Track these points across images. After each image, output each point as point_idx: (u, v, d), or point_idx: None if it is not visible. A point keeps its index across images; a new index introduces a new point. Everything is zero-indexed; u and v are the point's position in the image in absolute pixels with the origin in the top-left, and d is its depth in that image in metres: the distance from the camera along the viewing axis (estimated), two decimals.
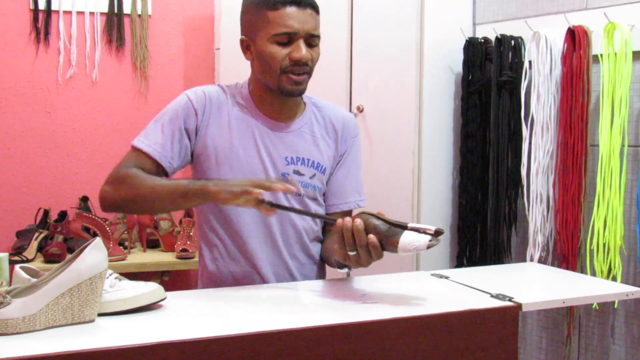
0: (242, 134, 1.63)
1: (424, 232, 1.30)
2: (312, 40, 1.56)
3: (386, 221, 1.34)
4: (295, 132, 1.67)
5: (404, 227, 1.32)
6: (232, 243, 1.64)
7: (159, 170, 1.58)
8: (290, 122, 1.67)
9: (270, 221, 1.62)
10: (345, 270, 1.52)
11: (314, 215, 1.66)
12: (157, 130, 1.61)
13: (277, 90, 1.59)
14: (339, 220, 1.37)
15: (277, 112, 1.66)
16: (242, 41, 1.64)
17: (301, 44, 1.54)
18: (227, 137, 1.62)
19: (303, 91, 1.61)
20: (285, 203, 1.62)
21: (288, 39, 1.54)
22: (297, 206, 1.64)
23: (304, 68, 1.56)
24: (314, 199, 1.68)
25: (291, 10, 1.53)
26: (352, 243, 1.35)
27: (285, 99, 1.63)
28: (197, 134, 1.62)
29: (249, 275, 1.64)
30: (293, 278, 1.67)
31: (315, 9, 1.58)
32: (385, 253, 1.34)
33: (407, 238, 1.30)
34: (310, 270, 1.71)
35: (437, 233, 1.30)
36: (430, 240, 1.29)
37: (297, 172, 1.64)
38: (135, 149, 1.60)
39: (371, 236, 1.32)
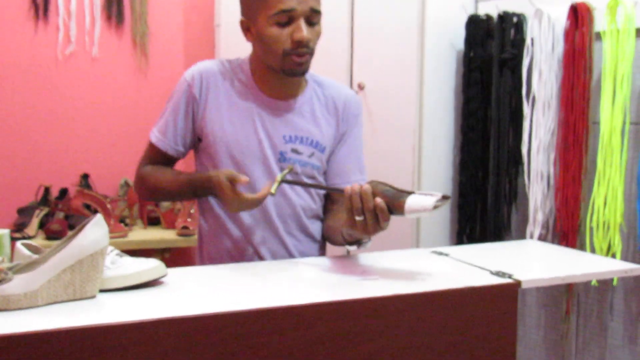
0: (240, 111, 1.63)
1: (432, 195, 1.32)
2: (313, 17, 1.54)
3: (394, 188, 1.36)
4: (295, 111, 1.66)
5: (410, 193, 1.34)
6: (228, 219, 1.65)
7: (168, 158, 1.69)
8: (291, 100, 1.66)
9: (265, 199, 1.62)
10: (354, 247, 1.52)
11: (322, 187, 1.65)
12: (163, 120, 1.68)
13: (280, 71, 1.58)
14: (347, 187, 1.37)
15: (278, 91, 1.65)
16: (242, 22, 1.62)
17: (302, 23, 1.52)
18: (226, 115, 1.62)
19: (306, 71, 1.60)
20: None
21: (288, 18, 1.52)
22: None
23: (306, 49, 1.54)
24: (312, 178, 1.67)
25: None
26: (359, 208, 1.35)
27: (286, 78, 1.62)
28: (198, 116, 1.64)
29: (245, 252, 1.65)
30: (290, 255, 1.67)
31: None
32: (392, 220, 1.35)
33: (413, 199, 1.31)
34: (309, 248, 1.71)
35: (444, 197, 1.30)
36: (436, 201, 1.29)
37: (295, 151, 1.64)
38: (149, 140, 1.71)
39: (378, 199, 1.33)
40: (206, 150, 1.64)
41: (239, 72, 1.66)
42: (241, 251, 1.65)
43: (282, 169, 1.63)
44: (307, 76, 1.71)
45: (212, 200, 1.66)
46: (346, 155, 1.71)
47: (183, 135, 1.66)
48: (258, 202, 1.49)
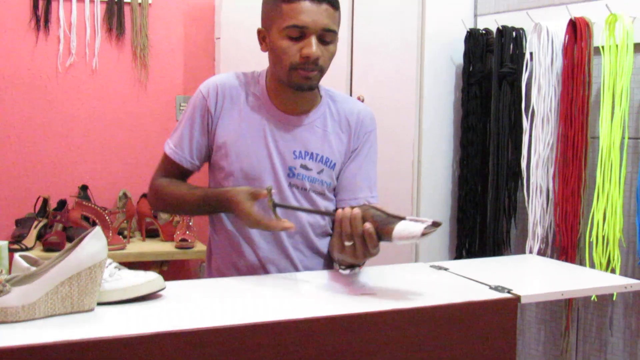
0: (252, 126, 1.63)
1: (422, 222, 1.30)
2: (326, 36, 1.53)
3: (385, 213, 1.34)
4: (306, 126, 1.66)
5: (401, 218, 1.32)
6: (238, 235, 1.66)
7: (183, 171, 1.69)
8: (303, 115, 1.66)
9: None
10: (347, 271, 1.50)
11: (312, 211, 1.64)
12: (178, 131, 1.68)
13: (287, 84, 1.58)
14: (339, 211, 1.37)
15: (290, 106, 1.65)
16: (259, 32, 1.62)
17: (313, 40, 1.51)
18: (238, 129, 1.63)
19: (314, 87, 1.60)
20: (291, 198, 1.63)
21: (300, 33, 1.52)
22: (303, 200, 1.64)
23: (313, 66, 1.53)
24: (322, 194, 1.67)
25: (305, 4, 1.50)
26: (348, 232, 1.34)
27: (298, 93, 1.62)
28: (212, 129, 1.65)
29: (252, 267, 1.65)
30: (297, 271, 1.67)
31: (333, 3, 1.53)
32: (383, 246, 1.34)
33: (402, 226, 1.29)
34: (316, 263, 1.70)
35: (435, 224, 1.28)
36: (425, 228, 1.27)
37: (304, 167, 1.64)
38: (164, 152, 1.70)
39: (367, 224, 1.32)
40: (218, 163, 1.65)
41: (254, 85, 1.67)
42: (249, 266, 1.65)
43: (290, 184, 1.63)
44: (322, 91, 1.71)
45: (224, 216, 1.67)
46: (356, 171, 1.70)
47: (198, 148, 1.66)
48: (271, 228, 1.46)
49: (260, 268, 1.65)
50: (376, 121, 1.77)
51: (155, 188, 1.70)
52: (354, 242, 1.34)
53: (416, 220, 1.30)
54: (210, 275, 1.72)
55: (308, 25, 1.50)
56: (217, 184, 1.66)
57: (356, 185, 1.70)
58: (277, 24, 1.54)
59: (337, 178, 1.70)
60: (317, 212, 1.66)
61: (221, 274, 1.68)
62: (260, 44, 1.63)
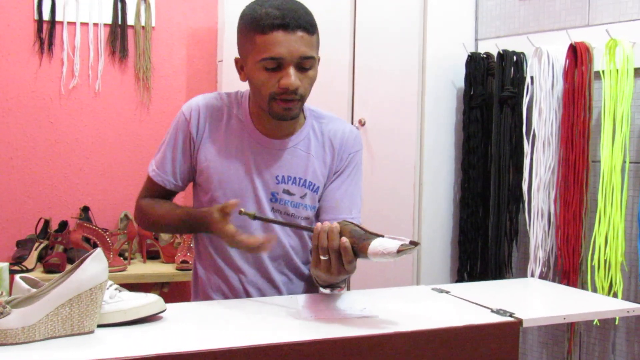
0: (235, 150, 1.62)
1: (399, 240, 1.27)
2: (304, 63, 1.49)
3: (364, 229, 1.32)
4: (289, 150, 1.63)
5: (379, 236, 1.29)
6: (220, 259, 1.65)
7: (167, 191, 1.69)
8: (286, 139, 1.63)
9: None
10: (327, 290, 1.49)
11: (291, 225, 1.60)
12: (160, 153, 1.67)
13: (269, 114, 1.56)
14: (318, 224, 1.35)
15: (273, 129, 1.62)
16: (236, 61, 1.60)
17: (290, 70, 1.47)
18: (220, 153, 1.61)
19: (295, 116, 1.57)
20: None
21: (276, 64, 1.47)
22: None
23: (293, 96, 1.50)
24: (306, 219, 1.64)
25: (278, 35, 1.45)
26: (325, 246, 1.32)
27: None
28: (194, 152, 1.64)
29: (235, 291, 1.64)
30: (280, 294, 1.66)
31: (308, 29, 1.48)
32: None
33: (378, 242, 1.27)
34: (300, 287, 1.69)
35: (412, 243, 1.25)
36: (402, 245, 1.24)
37: (286, 192, 1.62)
38: (148, 173, 1.70)
39: (344, 238, 1.30)
40: (202, 185, 1.64)
41: (236, 107, 1.65)
42: (232, 290, 1.64)
43: (273, 209, 1.62)
44: (307, 111, 1.68)
45: (207, 240, 1.66)
46: (337, 191, 1.67)
47: (180, 169, 1.65)
48: (247, 243, 1.46)
49: (243, 292, 1.64)
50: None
51: (139, 207, 1.71)
52: (329, 256, 1.32)
53: (394, 238, 1.27)
54: (195, 296, 1.71)
55: (284, 56, 1.46)
56: (201, 205, 1.64)
57: (336, 206, 1.65)
58: (253, 56, 1.50)
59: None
60: (297, 226, 1.60)
61: (207, 297, 1.66)
62: (239, 73, 1.60)
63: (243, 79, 1.59)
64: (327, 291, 1.49)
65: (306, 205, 1.64)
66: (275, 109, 1.52)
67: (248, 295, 1.64)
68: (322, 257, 1.33)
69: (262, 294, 1.64)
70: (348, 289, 1.64)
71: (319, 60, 1.57)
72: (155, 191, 1.69)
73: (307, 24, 1.48)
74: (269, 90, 1.50)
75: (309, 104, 1.64)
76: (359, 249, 1.30)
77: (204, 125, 1.62)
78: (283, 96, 1.50)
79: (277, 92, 1.50)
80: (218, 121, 1.63)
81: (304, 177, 1.63)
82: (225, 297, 1.64)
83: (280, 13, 1.46)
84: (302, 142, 1.65)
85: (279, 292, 1.66)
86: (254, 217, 1.46)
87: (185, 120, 1.63)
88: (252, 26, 1.49)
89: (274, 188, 1.61)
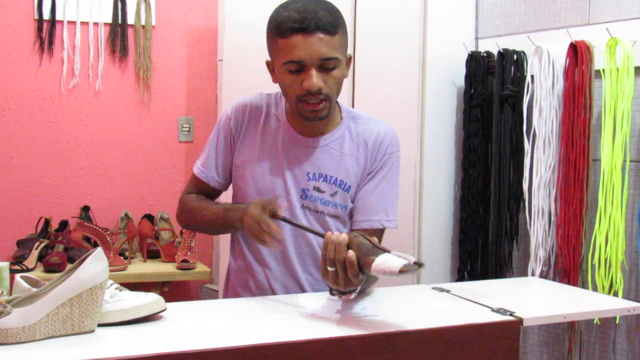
0: (269, 147, 1.65)
1: (404, 259, 1.26)
2: (326, 64, 1.51)
3: (373, 243, 1.32)
4: (322, 148, 1.66)
5: (386, 251, 1.29)
6: (252, 257, 1.68)
7: (211, 189, 1.73)
8: (320, 137, 1.66)
9: (284, 236, 1.61)
10: (335, 297, 1.48)
11: (305, 229, 1.58)
12: (205, 151, 1.73)
13: (298, 115, 1.59)
14: (328, 233, 1.36)
15: (307, 127, 1.65)
16: (267, 64, 1.63)
17: (312, 72, 1.50)
18: (256, 150, 1.66)
19: (324, 117, 1.58)
20: (303, 219, 1.63)
21: (298, 67, 1.50)
22: (314, 222, 1.64)
23: (318, 97, 1.52)
24: (336, 217, 1.66)
25: (297, 38, 1.48)
26: (332, 257, 1.33)
27: None
28: (234, 149, 1.69)
29: (261, 288, 1.67)
30: (304, 292, 1.67)
31: (328, 30, 1.49)
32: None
33: (382, 259, 1.26)
34: (324, 287, 1.69)
35: (417, 264, 1.24)
36: (405, 265, 1.23)
37: (317, 189, 1.64)
38: (193, 172, 1.75)
39: (350, 252, 1.31)
40: (236, 181, 1.69)
41: (274, 106, 1.69)
42: (258, 287, 1.67)
43: (303, 206, 1.64)
44: (344, 112, 1.70)
45: (240, 235, 1.69)
46: (371, 193, 1.68)
47: (223, 166, 1.70)
48: (269, 231, 1.46)
49: (268, 289, 1.66)
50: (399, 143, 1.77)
51: (182, 202, 1.76)
52: (336, 268, 1.33)
53: (399, 256, 1.26)
54: (225, 296, 1.76)
55: (303, 59, 1.49)
56: (236, 202, 1.69)
57: (370, 207, 1.67)
58: (277, 59, 1.54)
59: (353, 200, 1.68)
60: (309, 230, 1.58)
61: (235, 294, 1.70)
62: (271, 75, 1.63)
63: (275, 80, 1.62)
64: (335, 298, 1.49)
65: (336, 203, 1.65)
66: (302, 110, 1.56)
67: (273, 292, 1.65)
68: (329, 268, 1.34)
69: (287, 291, 1.66)
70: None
71: (349, 59, 1.60)
72: (199, 189, 1.74)
73: (327, 25, 1.49)
74: (294, 93, 1.54)
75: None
76: (363, 264, 1.30)
77: (244, 124, 1.68)
78: (307, 98, 1.53)
79: (302, 94, 1.53)
80: (257, 120, 1.68)
81: (335, 176, 1.65)
82: (252, 294, 1.67)
83: (299, 16, 1.48)
84: (336, 141, 1.67)
85: (303, 290, 1.67)
86: (273, 217, 1.48)
87: (228, 118, 1.69)
88: (275, 30, 1.53)
89: (305, 185, 1.64)
